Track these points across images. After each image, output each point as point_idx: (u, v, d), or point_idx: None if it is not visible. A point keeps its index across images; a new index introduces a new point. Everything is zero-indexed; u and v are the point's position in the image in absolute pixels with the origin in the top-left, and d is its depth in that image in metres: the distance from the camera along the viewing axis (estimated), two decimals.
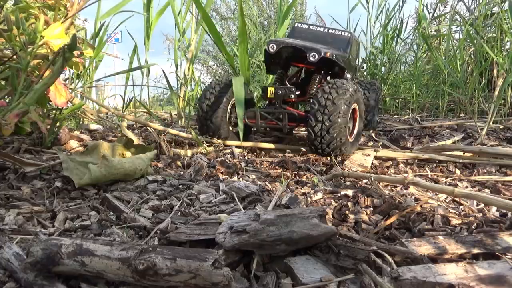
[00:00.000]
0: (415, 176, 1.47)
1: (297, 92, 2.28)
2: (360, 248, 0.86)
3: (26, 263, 0.75)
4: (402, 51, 4.94)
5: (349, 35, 2.57)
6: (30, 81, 1.46)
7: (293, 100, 2.30)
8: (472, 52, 4.14)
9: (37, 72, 1.61)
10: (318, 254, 0.88)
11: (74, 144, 2.06)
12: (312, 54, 2.14)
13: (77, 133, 2.38)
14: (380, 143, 2.44)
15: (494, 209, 1.20)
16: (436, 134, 2.74)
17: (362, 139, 2.53)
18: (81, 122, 2.85)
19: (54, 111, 1.96)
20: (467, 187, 1.55)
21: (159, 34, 9.92)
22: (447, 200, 1.32)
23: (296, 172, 1.71)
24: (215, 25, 2.57)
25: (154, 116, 3.80)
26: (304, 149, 2.12)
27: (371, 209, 1.20)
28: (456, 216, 1.12)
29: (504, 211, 1.15)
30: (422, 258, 0.84)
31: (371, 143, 2.47)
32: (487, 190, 1.47)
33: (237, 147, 2.22)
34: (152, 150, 1.62)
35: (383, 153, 2.01)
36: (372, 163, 1.88)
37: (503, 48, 3.76)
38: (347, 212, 1.15)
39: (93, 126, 2.81)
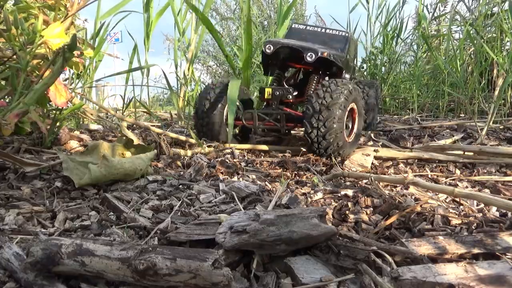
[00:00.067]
0: (415, 176, 1.47)
1: (295, 93, 2.27)
2: (360, 248, 0.86)
3: (26, 263, 0.75)
4: (402, 51, 4.94)
5: (347, 35, 2.56)
6: (30, 81, 1.46)
7: (291, 100, 2.29)
8: (472, 52, 4.14)
9: (37, 72, 1.61)
10: (318, 254, 0.88)
11: (74, 144, 2.06)
12: (309, 54, 2.13)
13: (77, 133, 2.38)
14: (380, 143, 2.44)
15: (494, 209, 1.20)
16: (436, 134, 2.74)
17: (362, 139, 2.52)
18: (81, 122, 2.85)
19: (54, 111, 1.96)
20: (467, 187, 1.55)
21: (159, 34, 9.94)
22: (447, 200, 1.32)
23: (296, 172, 1.71)
24: (213, 25, 2.56)
25: (154, 116, 3.79)
26: (304, 149, 2.12)
27: (371, 209, 1.20)
28: (456, 216, 1.12)
29: (504, 211, 1.15)
30: (422, 258, 0.84)
31: (371, 143, 2.47)
32: (487, 190, 1.47)
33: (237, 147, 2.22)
34: (152, 150, 1.62)
35: (383, 153, 2.01)
36: (372, 163, 1.88)
37: (503, 48, 3.76)
38: (347, 212, 1.15)
39: (93, 126, 2.81)
